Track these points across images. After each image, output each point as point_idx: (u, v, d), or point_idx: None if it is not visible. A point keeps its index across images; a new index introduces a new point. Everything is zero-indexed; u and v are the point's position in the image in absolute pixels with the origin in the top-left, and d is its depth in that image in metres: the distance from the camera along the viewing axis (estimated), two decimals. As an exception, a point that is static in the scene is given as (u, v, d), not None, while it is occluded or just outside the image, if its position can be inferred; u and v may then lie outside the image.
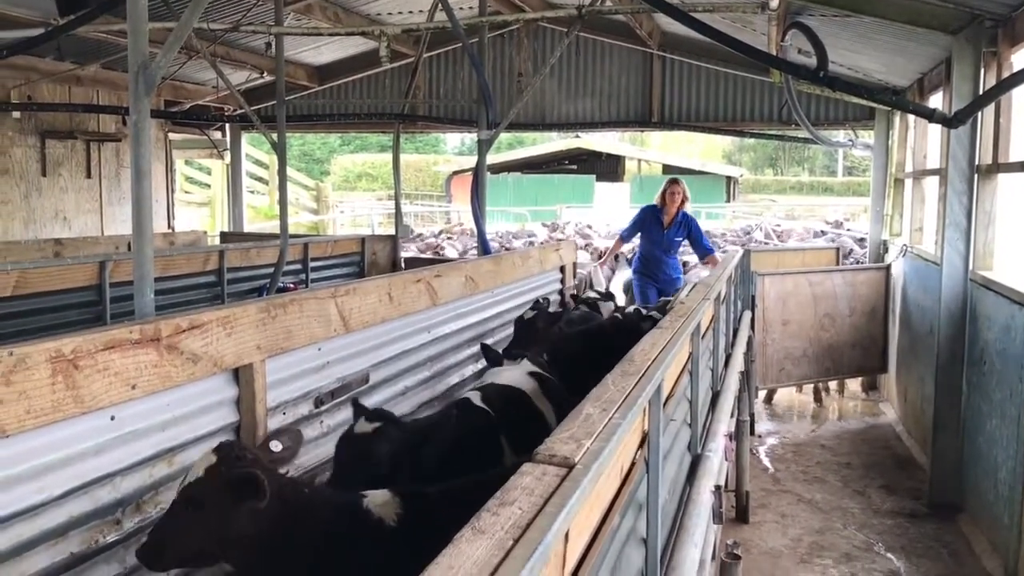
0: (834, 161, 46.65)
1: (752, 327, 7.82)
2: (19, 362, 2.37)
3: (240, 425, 3.44)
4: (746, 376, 7.01)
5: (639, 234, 9.26)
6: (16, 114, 9.49)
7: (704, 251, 9.17)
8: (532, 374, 4.37)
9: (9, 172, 9.56)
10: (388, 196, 32.33)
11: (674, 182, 9.13)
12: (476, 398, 3.97)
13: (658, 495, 2.39)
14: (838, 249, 10.59)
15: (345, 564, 2.52)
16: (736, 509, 6.05)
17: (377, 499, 2.63)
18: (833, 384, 9.68)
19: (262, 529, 2.44)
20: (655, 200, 9.12)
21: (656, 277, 9.02)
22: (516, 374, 4.40)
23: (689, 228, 9.04)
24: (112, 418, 2.75)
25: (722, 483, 3.91)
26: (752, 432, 7.82)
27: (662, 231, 8.99)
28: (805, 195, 40.02)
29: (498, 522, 1.24)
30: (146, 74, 3.40)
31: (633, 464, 2.29)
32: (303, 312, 3.81)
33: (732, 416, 5.51)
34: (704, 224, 22.44)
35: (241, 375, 3.42)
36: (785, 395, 9.50)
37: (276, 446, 2.59)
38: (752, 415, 7.80)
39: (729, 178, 32.63)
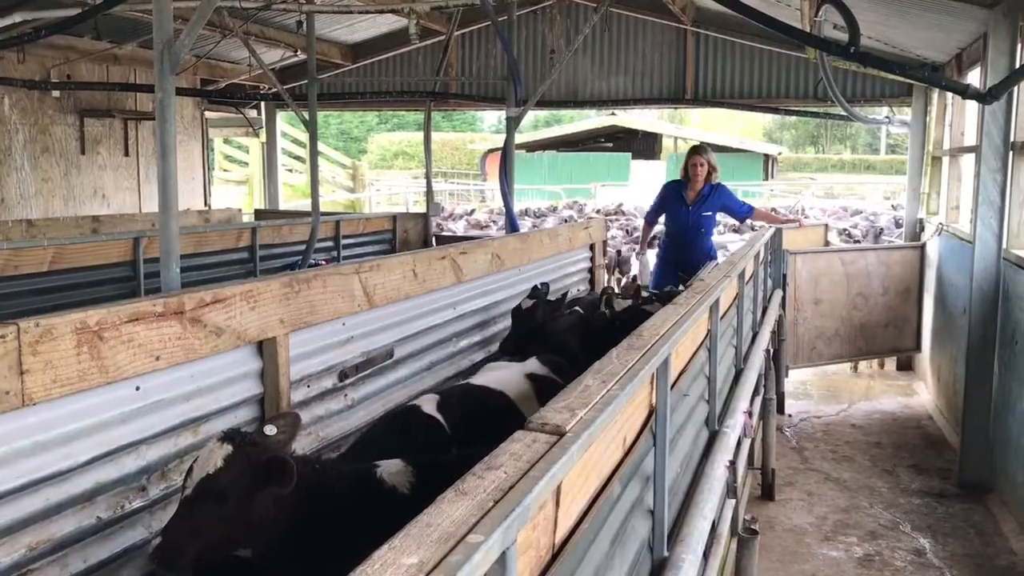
0: (877, 139, 45.94)
1: (783, 306, 7.78)
2: (45, 332, 2.45)
3: (264, 397, 3.52)
4: (775, 355, 6.99)
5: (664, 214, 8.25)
6: (56, 93, 9.66)
7: (745, 213, 8.25)
8: (531, 376, 3.88)
9: (49, 150, 9.76)
10: (424, 174, 32.43)
11: (696, 151, 8.06)
12: (430, 404, 3.37)
13: (664, 468, 2.42)
14: (826, 226, 10.42)
15: (360, 533, 2.57)
16: (762, 487, 6.06)
17: (391, 468, 2.68)
18: (864, 364, 9.61)
19: (284, 509, 2.47)
20: (679, 173, 8.08)
21: (682, 262, 7.79)
22: (507, 374, 3.89)
23: (721, 199, 7.95)
24: (137, 388, 2.83)
25: (740, 459, 3.92)
26: (781, 411, 7.80)
27: (686, 209, 7.90)
28: (847, 173, 39.49)
29: (482, 485, 1.29)
30: (171, 52, 3.47)
31: (639, 436, 2.32)
32: (327, 287, 3.87)
33: (759, 395, 5.52)
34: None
35: (265, 348, 3.48)
36: (819, 375, 9.44)
37: (271, 430, 2.62)
38: (781, 394, 7.78)
39: (767, 156, 32.30)
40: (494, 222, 15.77)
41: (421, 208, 12.08)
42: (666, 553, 2.46)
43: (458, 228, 15.83)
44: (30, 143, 9.46)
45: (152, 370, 2.85)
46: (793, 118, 35.63)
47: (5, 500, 2.43)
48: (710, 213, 8.00)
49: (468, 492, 1.25)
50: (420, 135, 40.74)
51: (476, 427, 3.15)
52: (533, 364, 4.03)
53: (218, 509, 2.40)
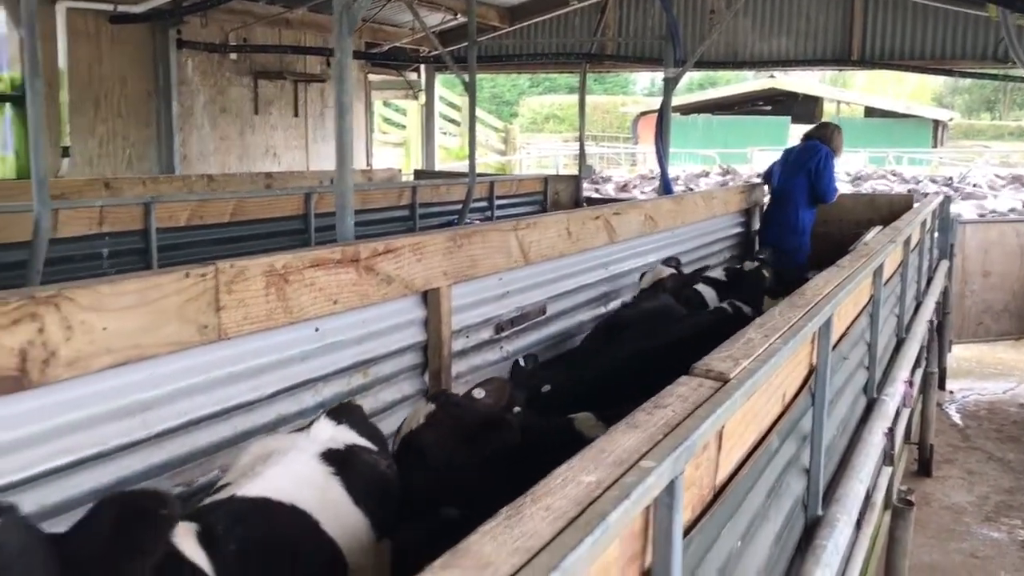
0: (1063, 104, 42.61)
1: (949, 277, 7.45)
2: (239, 273, 2.67)
3: (427, 344, 3.71)
4: (939, 328, 6.72)
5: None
6: (233, 56, 10.24)
7: None
8: (331, 457, 2.24)
9: (227, 111, 10.38)
10: (574, 138, 32.41)
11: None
12: (188, 539, 1.84)
13: (822, 427, 2.43)
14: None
15: None
16: (919, 462, 5.88)
17: (586, 422, 2.75)
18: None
19: (488, 466, 2.50)
20: (825, 145, 7.45)
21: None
22: (294, 469, 2.17)
23: None
24: (316, 329, 3.05)
25: (899, 429, 3.84)
26: (942, 387, 7.49)
27: None
28: (1027, 141, 36.83)
29: (651, 420, 1.36)
30: (349, 15, 3.66)
31: (798, 394, 2.34)
32: (486, 243, 4.01)
33: (919, 367, 5.34)
34: (907, 170, 21.26)
35: (429, 298, 3.66)
36: (984, 351, 8.97)
37: (479, 393, 2.77)
38: (943, 368, 7.47)
39: (937, 122, 30.48)
40: (636, 187, 15.63)
41: (570, 171, 12.14)
42: (820, 512, 2.47)
43: (604, 192, 15.79)
44: (209, 104, 10.09)
45: (330, 313, 3.06)
46: (967, 81, 33.52)
47: (203, 425, 2.69)
48: None
49: (639, 425, 1.33)
50: (571, 98, 40.66)
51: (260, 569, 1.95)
52: (325, 431, 2.34)
53: (419, 464, 2.46)
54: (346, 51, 3.79)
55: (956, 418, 7.06)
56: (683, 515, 1.39)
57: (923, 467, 5.85)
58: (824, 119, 31.73)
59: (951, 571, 4.60)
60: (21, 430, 2.17)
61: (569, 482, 1.11)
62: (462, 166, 16.12)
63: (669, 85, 7.56)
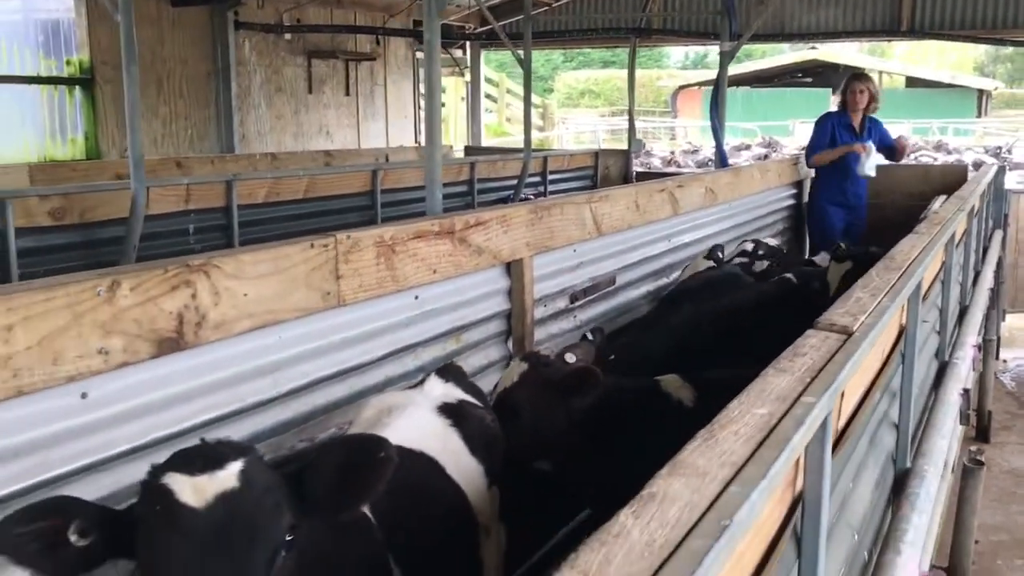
0: (1110, 71, 41.67)
1: (1003, 247, 7.48)
2: (354, 244, 2.86)
3: (511, 313, 3.88)
4: (995, 297, 6.77)
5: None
6: (287, 36, 10.42)
7: (891, 148, 7.28)
8: (447, 411, 2.51)
9: (282, 90, 10.58)
10: (611, 112, 32.39)
11: (859, 78, 7.28)
12: None
13: (911, 383, 2.57)
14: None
15: (648, 443, 2.66)
16: (977, 428, 5.98)
17: (672, 383, 2.89)
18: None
19: (577, 423, 2.68)
20: (834, 105, 7.27)
21: (847, 201, 7.23)
22: (416, 421, 2.41)
23: (879, 134, 7.19)
24: (416, 297, 3.24)
25: (970, 389, 3.96)
26: (997, 356, 7.54)
27: (856, 139, 7.08)
28: (1071, 110, 36.10)
29: (794, 366, 1.52)
30: (438, -3, 3.82)
31: (891, 352, 2.49)
32: (564, 215, 4.17)
33: (979, 334, 5.42)
34: (951, 141, 21.05)
35: (513, 268, 3.84)
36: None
37: (570, 358, 2.93)
38: (999, 337, 7.51)
39: (981, 91, 30.05)
40: (680, 162, 15.64)
41: (610, 145, 12.21)
42: (908, 464, 2.61)
43: (651, 166, 15.83)
44: (266, 83, 10.30)
45: (429, 282, 3.25)
46: (1009, 49, 32.91)
47: (322, 385, 2.88)
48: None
49: (786, 370, 1.49)
50: (605, 72, 40.41)
51: (407, 514, 2.09)
52: (437, 388, 2.63)
53: (513, 420, 2.65)
54: (435, 32, 3.95)
55: (1012, 387, 7.13)
56: (823, 451, 1.56)
57: (981, 433, 5.95)
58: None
59: (1016, 531, 4.72)
60: (177, 387, 2.37)
61: (745, 413, 1.27)
62: (500, 142, 16.20)
63: (724, 59, 7.64)
